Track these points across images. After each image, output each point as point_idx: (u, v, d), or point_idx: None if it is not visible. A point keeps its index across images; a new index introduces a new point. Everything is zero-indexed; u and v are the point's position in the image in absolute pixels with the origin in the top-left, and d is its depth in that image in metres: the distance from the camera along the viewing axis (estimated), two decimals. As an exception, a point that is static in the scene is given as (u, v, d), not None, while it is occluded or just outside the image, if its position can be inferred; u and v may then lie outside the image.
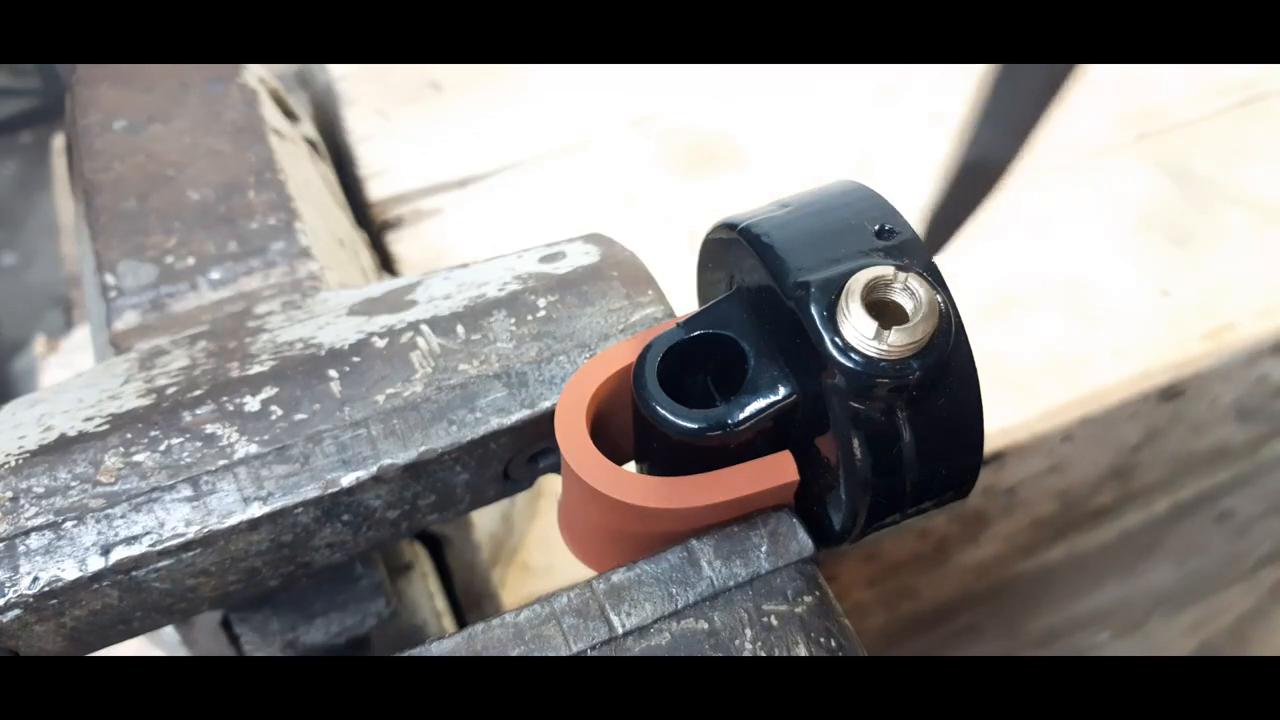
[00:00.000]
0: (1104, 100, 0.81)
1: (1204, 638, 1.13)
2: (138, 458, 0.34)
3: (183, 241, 0.42)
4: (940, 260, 0.30)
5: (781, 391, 0.32)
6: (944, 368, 0.29)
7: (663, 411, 0.31)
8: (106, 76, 0.47)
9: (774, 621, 0.31)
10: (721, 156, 0.76)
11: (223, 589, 0.35)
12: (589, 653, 0.31)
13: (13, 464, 0.34)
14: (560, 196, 0.74)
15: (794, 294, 0.30)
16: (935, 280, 0.29)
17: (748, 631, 0.31)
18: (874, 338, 0.28)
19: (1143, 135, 0.80)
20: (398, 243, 0.70)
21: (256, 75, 0.49)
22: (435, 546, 0.51)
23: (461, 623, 0.53)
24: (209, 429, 0.35)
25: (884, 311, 0.29)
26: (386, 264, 0.69)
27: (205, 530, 0.33)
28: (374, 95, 0.76)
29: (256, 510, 0.33)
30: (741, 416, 0.31)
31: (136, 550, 0.33)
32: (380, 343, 0.37)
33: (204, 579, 0.34)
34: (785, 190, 0.33)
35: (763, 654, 0.31)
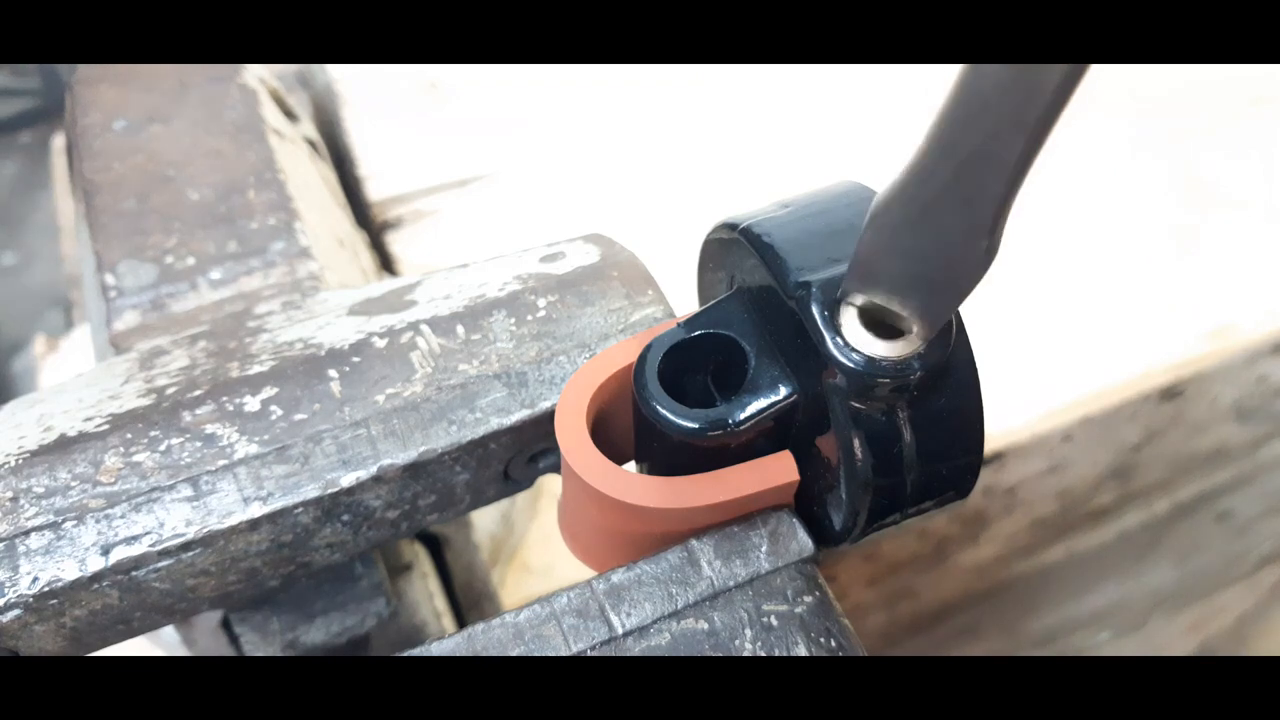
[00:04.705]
0: (1104, 100, 0.81)
1: (1204, 638, 1.14)
2: (138, 458, 0.34)
3: (183, 241, 0.42)
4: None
5: (782, 391, 0.32)
6: (945, 368, 0.29)
7: (663, 411, 0.31)
8: (106, 76, 0.47)
9: (774, 621, 0.31)
10: (723, 156, 0.76)
11: (223, 589, 0.35)
12: (589, 653, 0.31)
13: (13, 464, 0.34)
14: (560, 197, 0.74)
15: (795, 294, 0.30)
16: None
17: (748, 631, 0.31)
18: (875, 338, 0.28)
19: (1143, 135, 0.80)
20: (397, 243, 0.69)
21: (256, 75, 0.49)
22: (435, 546, 0.51)
23: (461, 623, 0.53)
24: (209, 429, 0.35)
25: (884, 313, 0.29)
26: (386, 264, 0.69)
27: (205, 530, 0.33)
28: (374, 95, 0.76)
29: (256, 510, 0.33)
30: (742, 416, 0.31)
31: (136, 550, 0.33)
32: (380, 343, 0.37)
33: (204, 579, 0.34)
34: (787, 190, 0.33)
35: (763, 654, 0.31)
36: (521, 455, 0.37)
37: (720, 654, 0.31)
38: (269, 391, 0.36)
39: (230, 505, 0.33)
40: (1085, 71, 0.21)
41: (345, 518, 0.35)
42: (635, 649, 0.31)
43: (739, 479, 0.32)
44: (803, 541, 0.33)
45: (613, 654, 0.31)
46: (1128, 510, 0.84)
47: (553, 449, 0.37)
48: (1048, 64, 0.21)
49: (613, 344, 0.36)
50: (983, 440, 0.31)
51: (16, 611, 0.32)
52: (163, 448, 0.34)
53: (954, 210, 0.25)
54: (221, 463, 0.34)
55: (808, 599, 0.32)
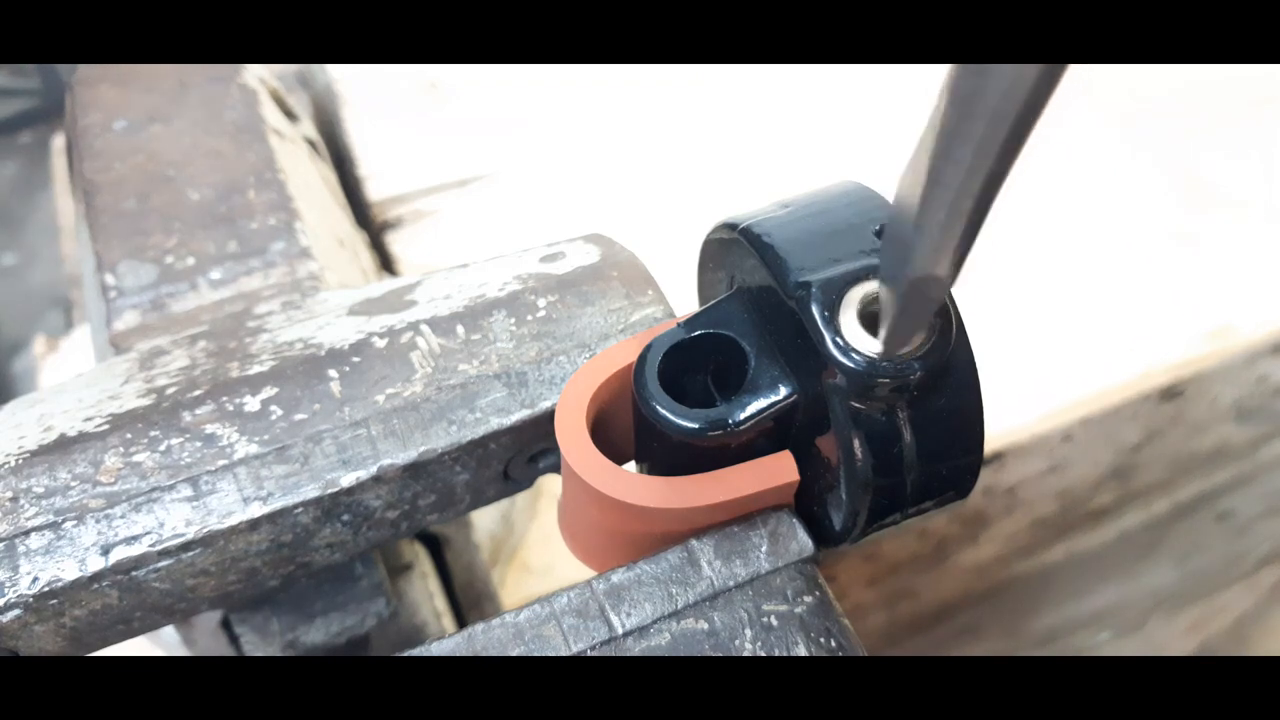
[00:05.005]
0: (1104, 100, 0.81)
1: (1204, 638, 1.13)
2: (138, 458, 0.34)
3: (183, 241, 0.42)
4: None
5: (782, 391, 0.31)
6: (945, 368, 0.29)
7: (663, 411, 0.31)
8: (106, 77, 0.47)
9: (774, 621, 0.31)
10: (723, 156, 0.76)
11: (223, 589, 0.35)
12: (589, 653, 0.31)
13: (13, 464, 0.34)
14: (560, 197, 0.74)
15: (795, 294, 0.30)
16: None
17: (747, 631, 0.31)
18: (875, 338, 0.28)
19: (1143, 135, 0.80)
20: (397, 243, 0.69)
21: (256, 75, 0.49)
22: (435, 546, 0.51)
23: (461, 623, 0.53)
24: (209, 429, 0.35)
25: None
26: (386, 264, 0.69)
27: (205, 530, 0.33)
28: (374, 95, 0.76)
29: (256, 510, 0.33)
30: (742, 416, 0.31)
31: (136, 550, 0.33)
32: (380, 343, 0.37)
33: (204, 579, 0.34)
34: (787, 190, 0.33)
35: (762, 654, 0.31)
36: (521, 455, 0.37)
37: (720, 654, 0.31)
38: (269, 391, 0.36)
39: (230, 505, 0.33)
40: (1062, 72, 0.21)
41: (345, 518, 0.35)
42: (635, 649, 0.31)
43: (739, 479, 0.32)
44: (803, 541, 0.33)
45: (613, 654, 0.31)
46: (1128, 510, 0.83)
47: (552, 449, 0.37)
48: (1024, 64, 0.20)
49: (613, 344, 0.36)
50: (983, 440, 0.31)
51: (16, 611, 0.32)
52: (163, 448, 0.34)
53: (931, 215, 0.24)
54: (221, 463, 0.34)
55: (808, 599, 0.32)
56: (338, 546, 0.36)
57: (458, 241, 0.70)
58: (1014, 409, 0.67)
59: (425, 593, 0.48)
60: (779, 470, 0.32)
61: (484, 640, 0.31)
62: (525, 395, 0.36)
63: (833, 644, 0.31)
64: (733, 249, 0.33)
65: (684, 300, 0.39)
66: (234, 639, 0.42)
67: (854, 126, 0.78)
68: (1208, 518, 0.91)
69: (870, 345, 0.28)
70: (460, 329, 0.37)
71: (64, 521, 0.33)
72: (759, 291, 0.32)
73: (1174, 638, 1.11)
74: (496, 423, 0.35)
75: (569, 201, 0.73)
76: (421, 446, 0.35)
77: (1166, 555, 0.94)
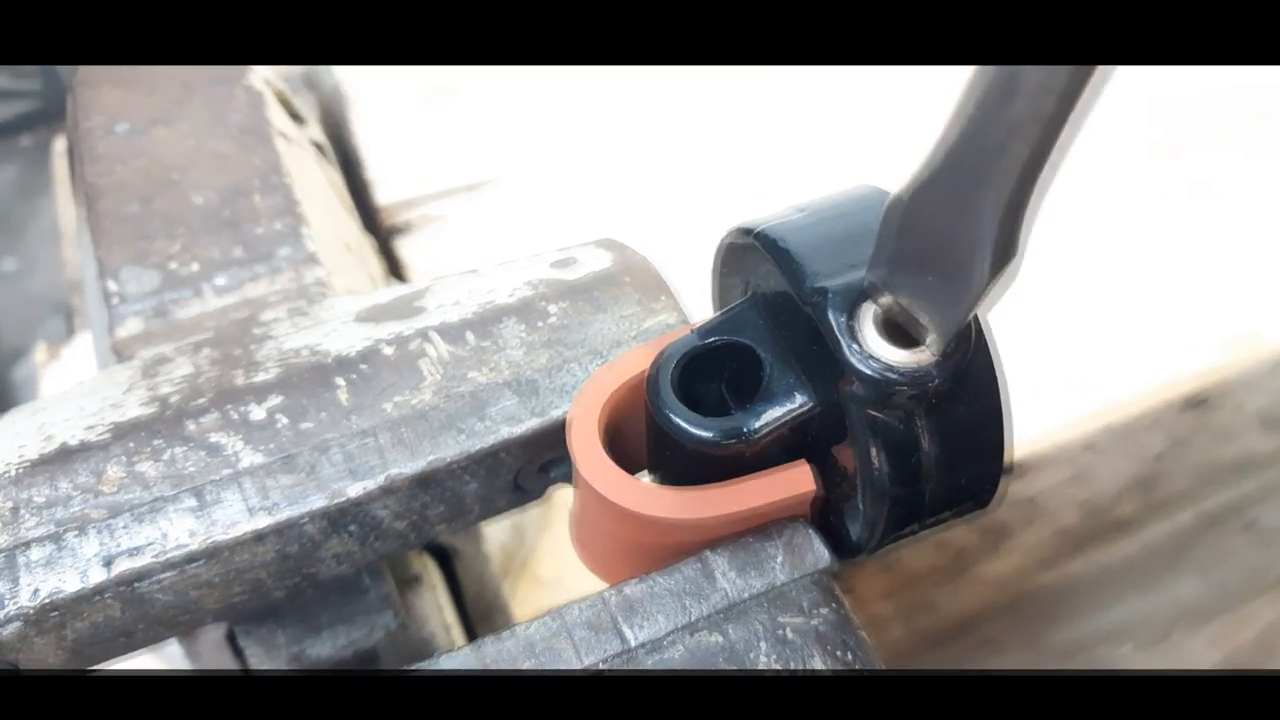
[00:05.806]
0: (1121, 104, 0.81)
1: (1229, 651, 1.12)
2: (140, 467, 0.33)
3: (186, 247, 0.42)
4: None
5: (799, 399, 0.31)
6: (965, 375, 0.29)
7: (677, 420, 0.31)
8: (109, 78, 0.47)
9: (790, 635, 0.31)
10: (738, 159, 0.76)
11: (227, 601, 0.35)
12: (601, 666, 0.30)
13: (13, 474, 0.33)
14: (572, 201, 0.73)
15: (811, 300, 0.29)
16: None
17: (763, 645, 0.31)
18: (893, 345, 0.28)
19: (1163, 141, 0.80)
20: (406, 248, 0.69)
21: (262, 77, 0.49)
22: (444, 558, 0.51)
23: (471, 636, 0.53)
24: (213, 438, 0.34)
25: (903, 318, 0.28)
26: (394, 269, 0.68)
27: (209, 541, 0.33)
28: (382, 98, 0.76)
29: (262, 521, 0.33)
30: (758, 425, 0.31)
31: (139, 562, 0.32)
32: (388, 350, 0.36)
33: (208, 591, 0.34)
34: (803, 194, 0.33)
35: (778, 668, 0.30)
36: (532, 465, 0.36)
37: (735, 668, 0.30)
38: (275, 400, 0.35)
39: (235, 516, 0.33)
40: (1091, 74, 0.20)
41: (352, 529, 0.35)
42: (648, 662, 0.30)
43: (755, 490, 0.32)
44: (819, 553, 0.32)
45: (625, 667, 0.30)
46: (1151, 521, 0.83)
47: (564, 458, 0.36)
48: (1054, 65, 0.20)
49: (626, 351, 0.36)
50: (1003, 450, 0.31)
51: (17, 624, 0.31)
52: (166, 457, 0.34)
53: (964, 209, 0.24)
54: (226, 472, 0.34)
55: (824, 611, 0.31)
56: (345, 558, 0.35)
57: (467, 247, 0.70)
58: (1035, 417, 0.67)
59: (434, 605, 0.48)
60: (795, 480, 0.32)
61: (494, 654, 0.30)
62: (536, 403, 0.35)
63: (850, 658, 0.31)
64: (748, 254, 0.33)
65: (699, 306, 0.39)
66: (239, 652, 0.41)
67: (870, 129, 0.77)
68: (1233, 528, 0.90)
69: (889, 352, 0.28)
70: (470, 336, 0.37)
71: (65, 532, 0.32)
72: (775, 297, 0.32)
73: (1198, 650, 1.10)
74: (507, 432, 0.35)
75: (581, 206, 0.73)
76: (430, 456, 0.34)
77: (1191, 566, 0.93)
